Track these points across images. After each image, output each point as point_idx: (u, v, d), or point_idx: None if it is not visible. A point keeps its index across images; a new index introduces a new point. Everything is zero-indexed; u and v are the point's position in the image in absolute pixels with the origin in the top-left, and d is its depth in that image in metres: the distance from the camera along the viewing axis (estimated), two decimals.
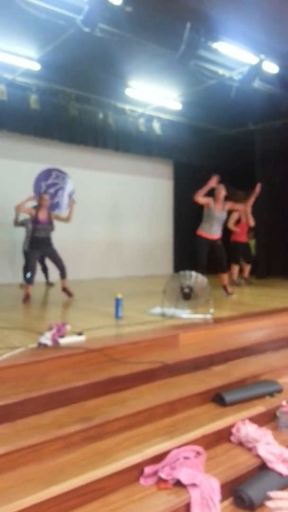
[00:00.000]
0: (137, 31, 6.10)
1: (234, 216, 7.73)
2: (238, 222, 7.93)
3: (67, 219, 6.63)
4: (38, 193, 6.59)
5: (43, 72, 7.25)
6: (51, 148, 9.07)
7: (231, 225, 7.64)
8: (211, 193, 6.21)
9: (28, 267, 6.23)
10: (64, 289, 6.39)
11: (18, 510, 2.10)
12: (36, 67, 7.00)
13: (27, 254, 7.93)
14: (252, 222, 7.65)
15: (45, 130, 8.46)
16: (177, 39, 6.10)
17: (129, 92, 8.21)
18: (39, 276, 7.96)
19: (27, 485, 2.25)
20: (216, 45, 6.37)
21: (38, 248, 6.25)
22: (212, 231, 6.13)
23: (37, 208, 6.34)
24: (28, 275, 6.14)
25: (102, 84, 7.99)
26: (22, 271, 8.08)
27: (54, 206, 9.32)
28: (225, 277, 6.44)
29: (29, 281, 6.10)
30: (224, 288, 6.42)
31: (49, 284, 8.08)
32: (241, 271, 8.25)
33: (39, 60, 6.85)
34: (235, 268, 8.01)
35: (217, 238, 6.24)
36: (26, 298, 5.91)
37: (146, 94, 8.37)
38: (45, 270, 8.12)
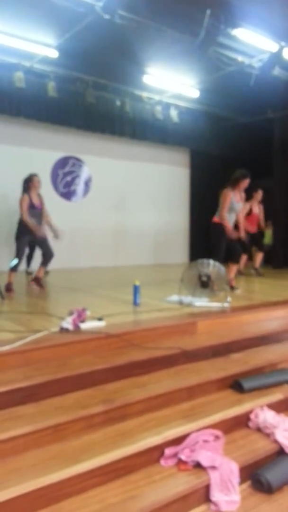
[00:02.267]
0: (156, 17, 6.07)
1: (246, 207, 7.56)
2: (249, 213, 7.84)
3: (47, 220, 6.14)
4: (30, 175, 6.02)
5: (61, 59, 7.26)
6: (68, 135, 9.11)
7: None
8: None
9: (16, 254, 5.80)
10: (37, 279, 5.99)
11: (42, 486, 2.18)
12: (54, 54, 7.01)
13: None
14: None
15: (62, 117, 8.48)
16: (196, 25, 6.05)
17: (146, 79, 8.17)
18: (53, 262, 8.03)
19: (51, 463, 2.33)
20: (236, 32, 6.31)
21: (29, 233, 5.82)
22: (231, 221, 5.94)
23: (29, 191, 5.86)
24: (15, 261, 5.75)
25: (119, 71, 7.97)
26: (25, 259, 7.97)
27: (71, 193, 9.42)
28: (234, 269, 6.13)
29: (13, 269, 5.73)
30: (229, 281, 5.89)
31: (28, 273, 7.70)
32: (251, 260, 8.14)
33: (57, 47, 6.86)
34: (243, 258, 7.90)
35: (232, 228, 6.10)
36: (9, 287, 5.58)
37: (163, 81, 8.32)
38: (30, 258, 7.72)
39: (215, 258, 5.19)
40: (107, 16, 5.64)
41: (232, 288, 5.89)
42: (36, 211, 5.92)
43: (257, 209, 7.87)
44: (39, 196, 6.05)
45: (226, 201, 5.77)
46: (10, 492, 2.09)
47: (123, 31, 6.21)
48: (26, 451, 2.42)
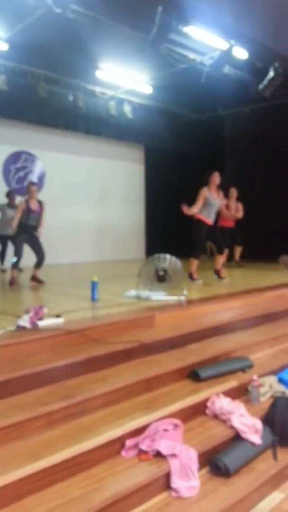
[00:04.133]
0: (108, 13, 6.05)
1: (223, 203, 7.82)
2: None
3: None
4: (29, 183, 6.65)
5: (12, 53, 7.09)
6: (20, 130, 8.92)
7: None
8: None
9: (15, 252, 6.27)
10: (34, 278, 6.36)
11: (3, 485, 2.16)
12: (4, 47, 6.83)
13: (2, 238, 7.86)
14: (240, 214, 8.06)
15: (13, 111, 8.30)
16: (148, 22, 6.07)
17: (99, 74, 8.14)
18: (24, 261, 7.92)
19: (12, 461, 2.32)
20: (187, 29, 6.39)
21: (26, 234, 6.27)
22: (210, 217, 6.24)
23: (27, 199, 6.31)
24: (14, 259, 6.22)
25: (72, 66, 7.88)
26: None
27: (24, 189, 9.22)
28: (221, 260, 6.47)
29: (14, 266, 6.22)
30: (217, 272, 6.45)
31: (2, 270, 7.95)
32: (232, 254, 8.41)
33: (8, 40, 6.69)
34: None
35: (212, 224, 6.36)
36: (13, 281, 6.04)
37: (116, 77, 8.32)
38: (2, 255, 8.05)
39: (198, 250, 5.94)
40: (58, 10, 5.56)
41: (220, 278, 6.42)
42: (33, 214, 6.28)
43: (234, 206, 8.10)
44: (39, 203, 6.41)
45: (199, 197, 6.11)
46: None
47: (76, 26, 6.15)
48: None
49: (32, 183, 6.59)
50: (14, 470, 2.24)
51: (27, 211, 6.22)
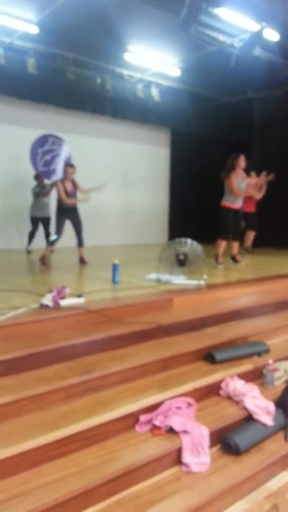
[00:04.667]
0: None
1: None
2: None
3: (85, 194, 6.81)
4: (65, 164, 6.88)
5: (41, 36, 7.13)
6: (48, 113, 9.01)
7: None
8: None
9: (56, 231, 6.53)
10: (81, 259, 6.63)
11: (23, 451, 2.31)
12: (34, 30, 6.89)
13: (34, 220, 8.08)
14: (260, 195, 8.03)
15: (42, 95, 8.37)
16: (178, 3, 6.02)
17: (127, 56, 8.11)
18: (36, 242, 8.12)
19: (30, 430, 2.46)
20: (218, 11, 6.30)
21: (66, 215, 6.54)
22: (236, 201, 6.33)
23: (63, 180, 6.53)
24: (54, 237, 6.50)
25: (100, 49, 7.88)
26: (27, 237, 8.18)
27: (51, 172, 9.38)
28: (236, 246, 6.64)
29: (52, 243, 6.53)
30: (233, 257, 6.64)
31: (29, 251, 8.13)
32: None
33: (38, 23, 6.73)
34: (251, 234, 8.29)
35: (239, 208, 6.46)
36: (44, 259, 6.29)
37: (145, 59, 8.26)
38: (31, 236, 8.20)
39: (225, 236, 6.24)
40: None
41: (236, 261, 6.62)
42: (68, 196, 6.50)
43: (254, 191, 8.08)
44: (73, 183, 6.64)
45: (232, 186, 6.18)
46: None
47: (104, 8, 6.15)
48: (8, 419, 2.55)
49: (69, 165, 6.77)
50: (33, 438, 2.37)
51: (64, 192, 6.44)
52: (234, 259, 6.64)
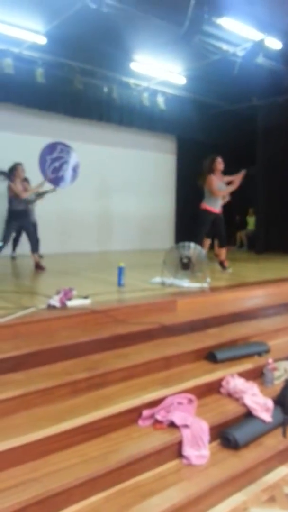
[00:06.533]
0: (142, 7, 6.19)
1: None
2: None
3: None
4: (14, 164, 6.37)
5: (50, 46, 7.34)
6: (56, 121, 9.21)
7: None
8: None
9: (2, 238, 6.15)
10: (36, 264, 6.36)
11: (30, 442, 2.43)
12: (42, 41, 7.10)
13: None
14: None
15: (50, 103, 8.59)
16: (181, 15, 6.18)
17: (133, 66, 8.29)
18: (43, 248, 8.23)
19: (39, 422, 2.58)
20: (220, 21, 6.46)
21: (16, 220, 6.27)
22: (217, 205, 6.27)
23: (12, 180, 6.23)
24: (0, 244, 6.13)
25: (107, 58, 8.08)
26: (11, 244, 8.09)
27: (60, 179, 9.55)
28: (223, 252, 6.52)
29: None
30: (222, 263, 6.50)
31: (13, 258, 8.00)
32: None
33: (46, 34, 6.94)
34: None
35: (220, 212, 6.39)
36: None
37: (150, 68, 8.45)
38: (16, 242, 8.02)
39: (198, 240, 5.69)
40: (94, 6, 5.76)
41: (224, 268, 6.42)
42: (19, 198, 6.22)
43: None
44: (24, 183, 6.39)
45: (213, 187, 6.12)
46: (1, 445, 2.34)
47: (111, 20, 6.32)
48: (16, 412, 2.67)
49: (18, 163, 6.34)
50: (40, 430, 2.49)
51: (14, 194, 6.15)
52: (222, 265, 6.50)
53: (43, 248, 8.39)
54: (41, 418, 2.62)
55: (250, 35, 6.89)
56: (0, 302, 3.98)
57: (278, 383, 3.51)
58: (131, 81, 9.21)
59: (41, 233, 8.44)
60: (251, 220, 11.07)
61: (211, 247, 6.71)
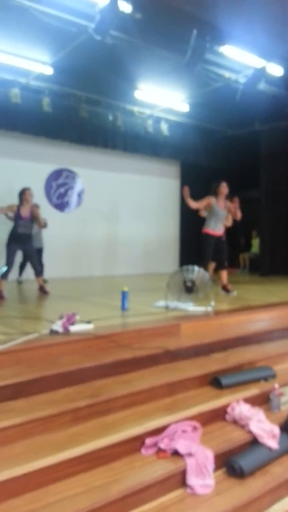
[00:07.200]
0: (145, 37, 6.37)
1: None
2: None
3: (41, 224, 6.70)
4: (23, 189, 6.41)
5: (56, 76, 7.56)
6: (62, 149, 9.40)
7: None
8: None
9: (6, 262, 6.11)
10: (41, 288, 6.45)
11: (31, 471, 2.38)
12: (49, 71, 7.31)
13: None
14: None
15: (56, 131, 8.79)
16: (183, 44, 6.35)
17: (137, 94, 8.48)
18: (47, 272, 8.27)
19: (40, 451, 2.54)
20: (222, 49, 6.62)
21: (17, 243, 6.25)
22: (217, 227, 6.34)
23: (20, 203, 6.29)
24: (4, 269, 6.06)
25: (111, 87, 8.28)
26: (18, 268, 8.16)
27: (64, 205, 9.67)
28: (225, 275, 6.49)
29: (3, 276, 6.01)
30: (224, 287, 6.46)
31: (20, 282, 8.10)
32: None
33: (52, 64, 7.15)
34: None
35: (221, 235, 6.45)
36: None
37: (154, 96, 8.63)
38: (22, 267, 8.15)
39: (203, 263, 5.80)
40: (98, 37, 5.94)
41: (228, 291, 6.38)
42: (22, 221, 6.27)
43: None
44: (31, 207, 6.43)
45: (203, 199, 6.33)
46: (1, 476, 2.29)
47: (115, 50, 6.51)
48: (17, 441, 2.63)
49: (27, 188, 6.37)
50: (41, 459, 2.45)
51: (16, 217, 6.21)
52: (225, 289, 6.45)
53: (50, 273, 8.45)
54: (42, 447, 2.58)
55: (252, 62, 7.04)
56: (3, 327, 3.98)
57: (285, 409, 3.44)
58: (135, 109, 9.40)
59: (49, 257, 8.53)
60: (255, 243, 11.07)
61: (216, 270, 6.72)
